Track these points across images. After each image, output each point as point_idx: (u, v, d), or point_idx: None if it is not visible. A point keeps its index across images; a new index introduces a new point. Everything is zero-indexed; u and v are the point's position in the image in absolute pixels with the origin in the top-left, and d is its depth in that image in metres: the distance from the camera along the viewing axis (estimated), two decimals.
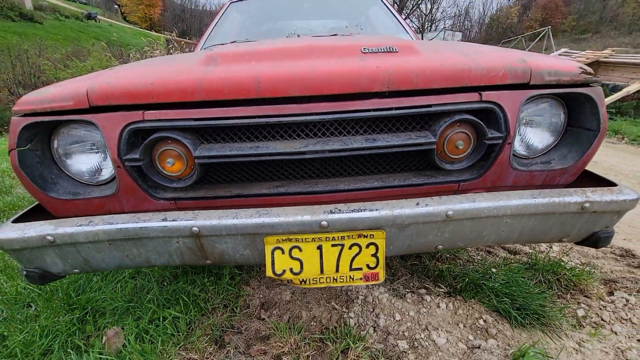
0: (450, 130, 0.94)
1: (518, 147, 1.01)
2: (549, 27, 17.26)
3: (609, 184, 0.98)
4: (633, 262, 1.68)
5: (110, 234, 0.88)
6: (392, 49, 0.96)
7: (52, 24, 19.20)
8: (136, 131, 0.91)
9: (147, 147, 0.91)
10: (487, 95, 0.91)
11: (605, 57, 9.50)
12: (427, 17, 30.91)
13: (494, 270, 1.44)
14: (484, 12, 46.99)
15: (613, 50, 10.76)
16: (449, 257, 1.59)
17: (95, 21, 26.05)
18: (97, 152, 0.97)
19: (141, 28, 38.47)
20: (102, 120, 0.89)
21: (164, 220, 0.89)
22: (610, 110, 8.46)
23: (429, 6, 30.52)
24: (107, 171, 0.99)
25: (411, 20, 29.85)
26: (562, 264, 1.53)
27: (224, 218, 0.87)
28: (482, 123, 0.91)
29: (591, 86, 0.94)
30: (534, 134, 1.01)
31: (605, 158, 4.27)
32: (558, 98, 0.97)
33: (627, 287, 1.44)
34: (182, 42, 8.38)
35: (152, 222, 0.88)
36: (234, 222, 0.87)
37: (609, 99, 8.02)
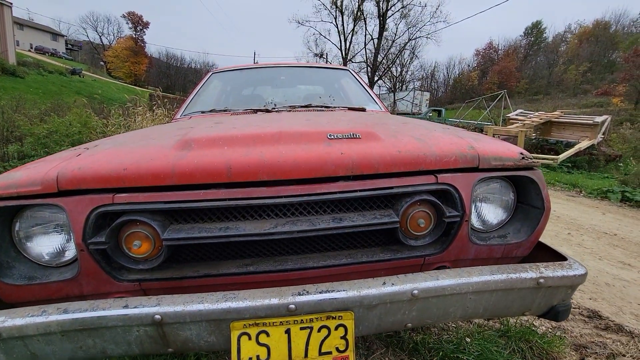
0: (411, 209, 1.00)
1: (475, 222, 1.09)
2: (505, 90, 19.27)
3: (560, 257, 1.05)
4: (600, 324, 1.72)
5: (64, 325, 0.82)
6: (355, 135, 1.05)
7: (34, 78, 19.40)
8: (104, 214, 0.91)
9: (114, 230, 0.90)
10: (443, 177, 1.00)
11: (557, 118, 10.57)
12: (397, 79, 33.87)
13: (467, 339, 1.43)
14: (448, 75, 52.18)
15: (562, 111, 12.05)
16: (423, 326, 1.57)
17: (80, 76, 26.58)
18: (60, 234, 0.95)
19: (125, 83, 39.54)
20: (70, 203, 0.89)
21: (125, 307, 0.85)
22: (567, 165, 9.20)
23: (399, 69, 33.65)
24: (70, 253, 0.96)
25: (383, 81, 32.57)
26: (534, 329, 1.54)
27: (189, 304, 0.85)
28: (439, 203, 0.99)
29: (532, 169, 1.05)
30: (488, 211, 1.09)
31: (567, 212, 4.54)
32: (506, 179, 1.08)
33: (596, 352, 1.46)
34: (165, 99, 8.62)
35: (112, 310, 0.84)
36: (199, 307, 0.85)
37: (564, 155, 8.77)
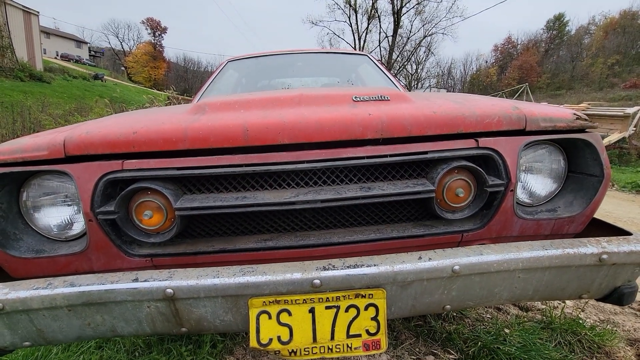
0: (448, 177, 0.89)
1: (521, 194, 0.96)
2: (527, 83, 18.59)
3: (623, 232, 0.92)
4: None
5: (71, 299, 0.76)
6: (384, 97, 0.95)
7: (59, 83, 20.17)
8: (113, 182, 0.84)
9: (123, 199, 0.83)
10: (484, 141, 0.88)
11: (583, 110, 10.06)
12: (413, 76, 33.36)
13: (507, 330, 1.29)
14: (465, 72, 50.96)
15: (589, 103, 11.48)
16: (456, 316, 1.44)
17: (102, 81, 27.48)
18: (69, 205, 0.89)
19: (145, 87, 40.65)
20: (77, 170, 0.83)
21: (135, 280, 0.78)
22: None
23: (414, 67, 33.13)
24: (79, 225, 0.90)
25: (399, 79, 32.11)
26: (581, 322, 1.39)
27: (203, 277, 0.77)
28: (481, 170, 0.87)
29: (588, 132, 0.92)
30: (535, 181, 0.97)
31: (601, 205, 4.26)
32: (556, 144, 0.95)
33: None
34: (180, 99, 8.75)
35: (121, 283, 0.77)
36: (215, 282, 0.77)
37: None
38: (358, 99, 0.94)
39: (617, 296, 0.88)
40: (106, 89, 24.57)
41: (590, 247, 0.83)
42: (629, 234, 0.89)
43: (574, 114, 0.92)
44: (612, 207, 4.21)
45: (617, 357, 1.24)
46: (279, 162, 0.85)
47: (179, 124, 0.86)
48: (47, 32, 42.54)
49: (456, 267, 0.79)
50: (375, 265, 0.79)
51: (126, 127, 0.86)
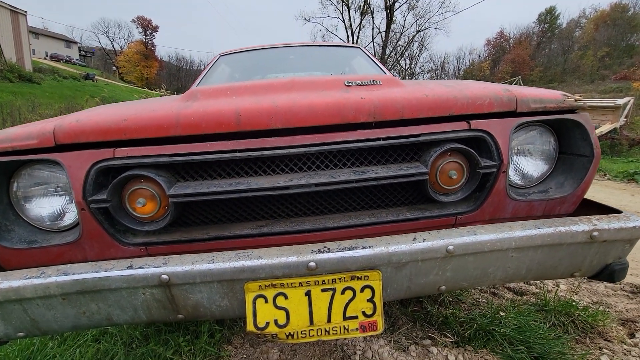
0: (441, 160, 0.89)
1: (513, 176, 0.97)
2: (520, 76, 18.68)
3: (613, 211, 0.93)
4: None
5: (65, 287, 0.76)
6: (376, 82, 0.95)
7: (49, 84, 19.87)
8: (105, 170, 0.84)
9: (116, 187, 0.83)
10: (476, 123, 0.89)
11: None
12: (407, 72, 33.40)
13: (502, 313, 1.31)
14: (459, 66, 51.07)
15: (580, 96, 11.56)
16: (452, 301, 1.46)
17: (93, 81, 27.12)
18: (61, 195, 0.89)
19: (137, 86, 40.20)
20: (68, 158, 0.82)
21: (130, 267, 0.78)
22: None
23: (407, 62, 33.16)
24: (71, 215, 0.89)
25: (392, 75, 32.04)
26: (574, 304, 1.41)
27: (199, 263, 0.77)
28: (473, 152, 0.88)
29: (577, 112, 0.93)
30: (527, 162, 0.98)
31: (593, 193, 4.32)
32: (547, 125, 0.96)
33: None
34: None
35: (115, 270, 0.77)
36: (210, 267, 0.77)
37: None
38: (350, 84, 0.94)
39: (609, 273, 0.89)
40: (97, 88, 24.25)
41: (582, 224, 0.84)
42: (619, 212, 0.90)
43: (563, 94, 0.93)
44: (604, 195, 4.27)
45: (610, 336, 1.27)
46: (272, 147, 0.84)
47: (171, 110, 0.85)
48: (35, 32, 41.84)
49: (450, 247, 0.80)
50: (370, 247, 0.79)
51: (117, 115, 0.85)
